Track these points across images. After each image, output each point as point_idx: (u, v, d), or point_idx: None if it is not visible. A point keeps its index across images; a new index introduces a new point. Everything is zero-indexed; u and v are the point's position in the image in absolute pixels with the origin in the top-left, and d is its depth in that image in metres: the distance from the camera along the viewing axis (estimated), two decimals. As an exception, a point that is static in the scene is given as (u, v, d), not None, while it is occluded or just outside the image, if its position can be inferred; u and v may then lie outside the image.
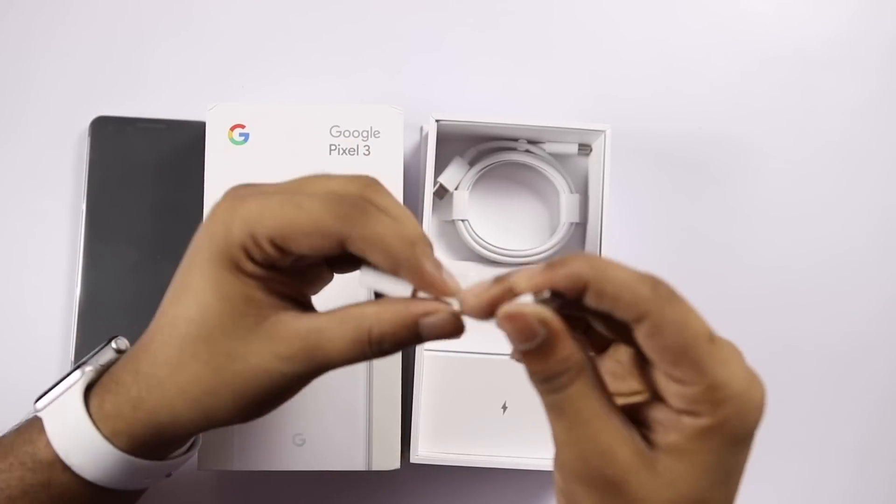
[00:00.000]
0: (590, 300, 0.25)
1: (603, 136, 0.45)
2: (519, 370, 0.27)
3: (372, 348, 0.28)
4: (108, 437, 0.30)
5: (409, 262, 0.27)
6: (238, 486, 0.47)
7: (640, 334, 0.25)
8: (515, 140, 0.48)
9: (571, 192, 0.48)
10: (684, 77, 0.53)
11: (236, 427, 0.41)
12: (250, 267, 0.28)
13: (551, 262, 0.26)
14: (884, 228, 0.52)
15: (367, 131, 0.44)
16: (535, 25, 0.52)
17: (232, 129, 0.43)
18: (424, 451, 0.44)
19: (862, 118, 0.53)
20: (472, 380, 0.45)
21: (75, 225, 0.48)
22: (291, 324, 0.28)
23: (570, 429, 0.26)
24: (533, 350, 0.26)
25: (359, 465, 0.42)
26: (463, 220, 0.47)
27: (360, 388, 0.42)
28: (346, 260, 0.30)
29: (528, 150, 0.48)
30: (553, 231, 0.48)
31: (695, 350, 0.24)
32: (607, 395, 0.27)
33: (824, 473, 0.51)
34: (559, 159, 0.48)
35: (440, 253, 0.48)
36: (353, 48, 0.51)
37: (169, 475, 0.34)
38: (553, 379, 0.26)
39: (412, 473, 0.47)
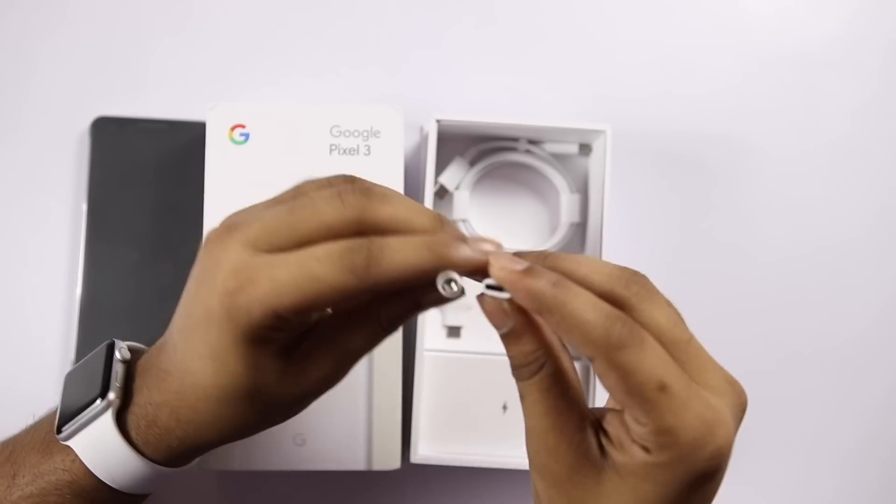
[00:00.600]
0: (548, 322, 0.26)
1: (603, 136, 0.45)
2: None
3: (385, 330, 0.29)
4: (153, 460, 0.31)
5: (442, 265, 0.26)
6: (238, 486, 0.47)
7: (594, 369, 0.25)
8: (516, 140, 0.48)
9: (571, 192, 0.48)
10: (685, 78, 0.53)
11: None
12: (280, 336, 0.28)
13: (531, 269, 0.25)
14: (884, 228, 0.52)
15: (368, 131, 0.43)
16: (535, 25, 0.52)
17: (232, 129, 0.43)
18: (424, 451, 0.44)
19: (862, 119, 0.53)
20: (472, 380, 0.45)
21: (76, 225, 0.48)
22: (318, 354, 0.29)
23: (528, 417, 0.28)
24: (504, 336, 0.27)
25: (359, 465, 0.42)
26: (463, 221, 0.47)
27: (360, 389, 0.42)
28: None
29: (528, 150, 0.48)
30: (553, 231, 0.48)
31: (640, 397, 0.24)
32: (572, 394, 0.27)
33: (819, 475, 0.51)
34: (559, 159, 0.48)
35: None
36: (352, 48, 0.51)
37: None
38: (520, 368, 0.27)
39: (412, 473, 0.47)
